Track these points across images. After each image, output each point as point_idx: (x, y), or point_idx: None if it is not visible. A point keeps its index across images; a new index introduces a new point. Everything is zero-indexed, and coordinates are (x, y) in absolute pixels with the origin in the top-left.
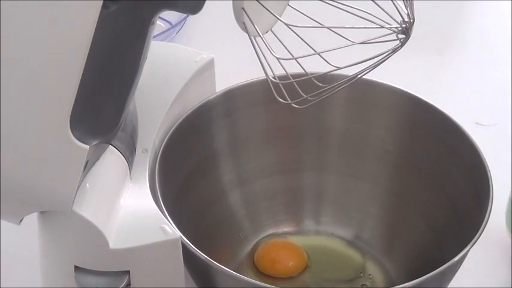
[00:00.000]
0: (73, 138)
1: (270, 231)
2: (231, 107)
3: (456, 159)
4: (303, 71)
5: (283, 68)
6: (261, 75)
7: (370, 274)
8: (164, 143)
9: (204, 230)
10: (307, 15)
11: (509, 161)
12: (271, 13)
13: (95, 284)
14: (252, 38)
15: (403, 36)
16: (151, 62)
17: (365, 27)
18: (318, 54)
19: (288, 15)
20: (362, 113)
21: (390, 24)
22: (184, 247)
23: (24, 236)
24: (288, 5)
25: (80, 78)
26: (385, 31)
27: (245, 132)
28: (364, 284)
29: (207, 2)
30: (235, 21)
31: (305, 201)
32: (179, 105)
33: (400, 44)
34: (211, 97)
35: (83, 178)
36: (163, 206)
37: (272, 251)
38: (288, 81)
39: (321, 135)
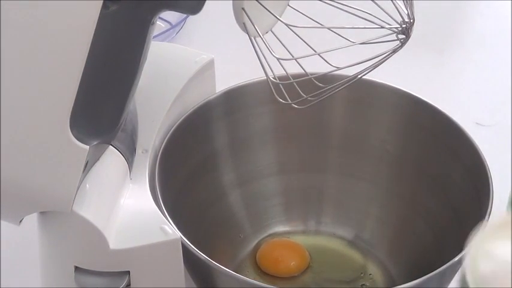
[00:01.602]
0: (73, 138)
1: (270, 232)
2: (231, 107)
3: (456, 159)
4: (303, 71)
5: (283, 69)
6: (261, 76)
7: (370, 274)
8: (164, 143)
9: (204, 231)
10: (307, 15)
11: (509, 161)
12: (271, 13)
13: (95, 284)
14: (252, 38)
15: (403, 36)
16: (152, 62)
17: (365, 28)
18: (318, 54)
19: (288, 16)
20: (362, 113)
21: (390, 25)
22: (185, 247)
23: (24, 237)
24: (288, 5)
25: (80, 78)
26: (385, 31)
27: (245, 133)
28: (364, 284)
29: (207, 2)
30: (235, 21)
31: (305, 201)
32: (179, 105)
33: (400, 44)
34: (211, 97)
35: (83, 178)
36: (163, 206)
37: (275, 250)
38: (288, 81)
39: (321, 135)
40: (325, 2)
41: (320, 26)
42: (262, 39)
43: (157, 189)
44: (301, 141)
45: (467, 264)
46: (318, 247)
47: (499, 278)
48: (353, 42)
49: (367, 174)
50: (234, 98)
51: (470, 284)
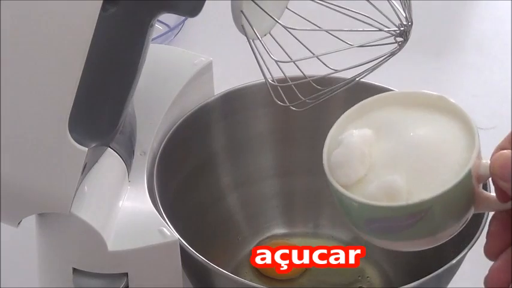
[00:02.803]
0: (72, 140)
1: (268, 234)
2: (230, 109)
3: None
4: (302, 73)
5: (282, 71)
6: (259, 78)
7: (368, 277)
8: (162, 145)
9: (203, 233)
10: (306, 18)
11: None
12: (270, 16)
13: (93, 286)
14: (251, 41)
15: (401, 39)
16: (150, 65)
17: (363, 30)
18: (317, 57)
19: (287, 18)
20: None
21: (388, 27)
22: (183, 249)
23: (23, 238)
24: (287, 7)
25: (79, 80)
26: (383, 34)
27: (243, 135)
28: (361, 287)
29: (205, 4)
30: (233, 24)
31: (303, 203)
32: (177, 107)
33: (398, 47)
34: (209, 100)
35: (82, 180)
36: (161, 209)
37: None
38: (287, 84)
39: (319, 137)
40: (323, 5)
41: (318, 28)
42: (260, 41)
43: (156, 191)
44: (299, 144)
45: (323, 158)
46: None
47: (349, 159)
48: (351, 44)
49: None
50: (233, 100)
51: (328, 175)
